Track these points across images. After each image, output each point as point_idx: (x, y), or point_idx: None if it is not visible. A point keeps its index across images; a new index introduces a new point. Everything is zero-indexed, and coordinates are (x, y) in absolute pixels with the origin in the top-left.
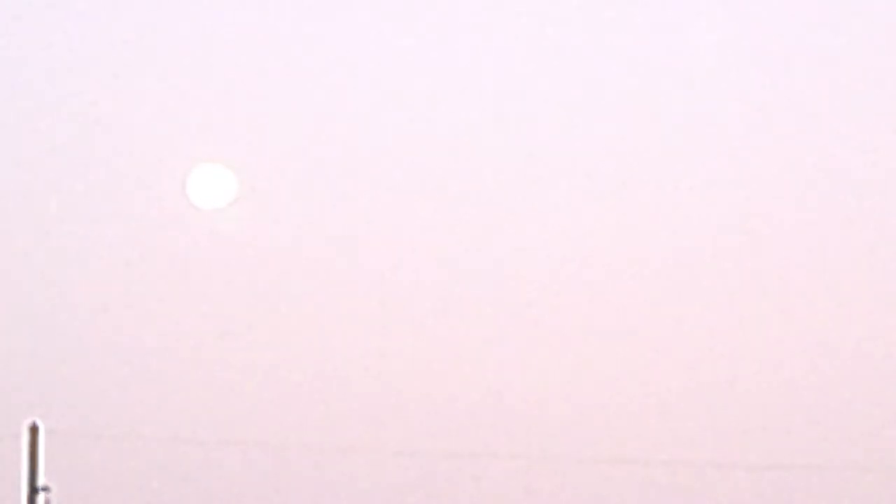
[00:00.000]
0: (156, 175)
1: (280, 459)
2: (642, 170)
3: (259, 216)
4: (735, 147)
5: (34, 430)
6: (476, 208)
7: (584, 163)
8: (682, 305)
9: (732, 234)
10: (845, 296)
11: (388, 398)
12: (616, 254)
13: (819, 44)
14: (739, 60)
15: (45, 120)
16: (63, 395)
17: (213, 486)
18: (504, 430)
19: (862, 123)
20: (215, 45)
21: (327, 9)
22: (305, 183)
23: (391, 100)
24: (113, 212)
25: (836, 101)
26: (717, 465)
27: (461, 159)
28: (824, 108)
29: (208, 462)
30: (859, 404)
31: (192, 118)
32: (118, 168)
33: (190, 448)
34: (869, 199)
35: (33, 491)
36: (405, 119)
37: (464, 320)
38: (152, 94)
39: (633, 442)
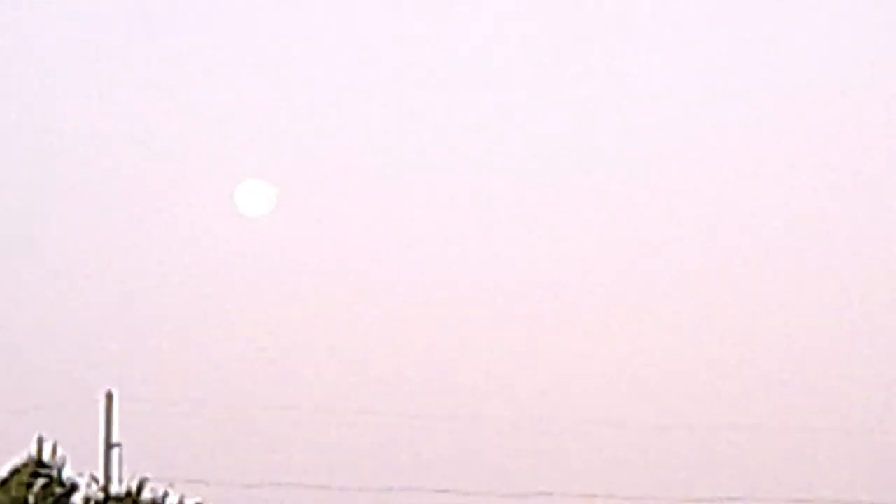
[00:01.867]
0: (208, 187)
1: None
2: (645, 178)
3: (296, 222)
4: (734, 153)
5: (109, 397)
6: (497, 213)
7: (587, 168)
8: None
9: (731, 236)
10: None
11: (418, 396)
12: (620, 254)
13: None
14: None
15: (115, 140)
16: (131, 372)
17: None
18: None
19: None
20: (262, 74)
21: (358, 37)
22: (337, 193)
23: (419, 122)
24: (172, 218)
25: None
26: (713, 428)
27: (481, 169)
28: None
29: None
30: (845, 370)
31: (240, 138)
32: (176, 180)
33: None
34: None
35: (109, 447)
36: (431, 137)
37: (483, 320)
38: (206, 116)
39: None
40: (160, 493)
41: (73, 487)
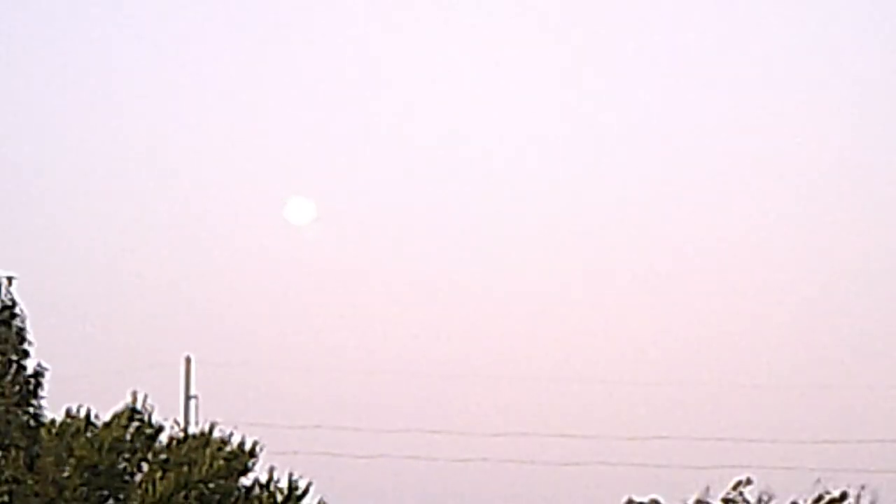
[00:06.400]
0: (261, 201)
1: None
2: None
3: (333, 230)
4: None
5: (188, 361)
6: (509, 214)
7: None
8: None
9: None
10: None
11: (435, 361)
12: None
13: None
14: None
15: (187, 166)
16: (204, 341)
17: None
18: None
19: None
20: (306, 110)
21: (387, 75)
22: (367, 207)
23: (441, 142)
24: (237, 227)
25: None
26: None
27: (494, 176)
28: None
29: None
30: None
31: (287, 162)
32: (238, 197)
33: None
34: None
35: (187, 398)
36: (452, 153)
37: (487, 315)
38: (260, 146)
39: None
40: (227, 433)
41: (160, 429)
